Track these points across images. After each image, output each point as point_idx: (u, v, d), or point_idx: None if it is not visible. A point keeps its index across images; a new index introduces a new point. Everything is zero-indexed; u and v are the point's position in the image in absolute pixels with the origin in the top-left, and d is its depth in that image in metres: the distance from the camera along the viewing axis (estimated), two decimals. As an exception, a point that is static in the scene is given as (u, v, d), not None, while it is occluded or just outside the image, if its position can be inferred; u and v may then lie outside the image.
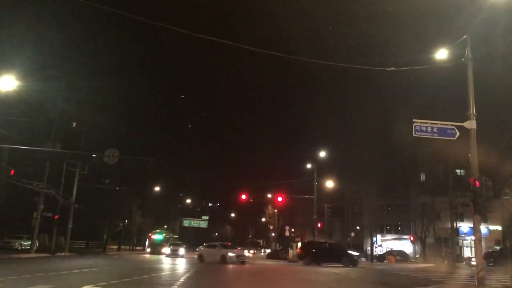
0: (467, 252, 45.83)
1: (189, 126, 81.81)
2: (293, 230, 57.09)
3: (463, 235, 46.31)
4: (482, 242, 14.65)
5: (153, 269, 18.81)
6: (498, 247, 39.00)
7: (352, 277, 17.40)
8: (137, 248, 57.37)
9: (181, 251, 37.28)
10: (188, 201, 78.40)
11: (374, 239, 57.74)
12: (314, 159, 40.38)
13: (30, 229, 30.42)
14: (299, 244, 63.11)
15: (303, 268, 24.90)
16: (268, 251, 57.89)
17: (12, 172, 25.23)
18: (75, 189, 33.46)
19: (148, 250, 46.63)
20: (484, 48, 17.21)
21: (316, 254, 28.87)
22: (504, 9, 12.91)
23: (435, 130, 14.05)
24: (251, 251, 67.16)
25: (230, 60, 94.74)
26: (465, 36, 13.79)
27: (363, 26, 51.19)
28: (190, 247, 53.97)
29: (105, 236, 47.25)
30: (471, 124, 13.54)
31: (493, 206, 13.56)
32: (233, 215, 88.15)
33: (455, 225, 38.62)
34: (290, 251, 55.35)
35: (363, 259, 35.58)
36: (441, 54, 14.13)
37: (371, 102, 55.83)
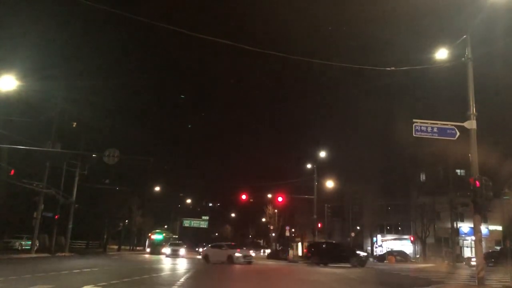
0: (467, 252, 45.82)
1: (189, 126, 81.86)
2: (293, 230, 57.03)
3: (463, 235, 46.30)
4: (482, 242, 14.63)
5: (153, 269, 18.81)
6: (498, 247, 38.99)
7: (352, 277, 17.40)
8: (138, 248, 57.35)
9: (182, 251, 37.28)
10: (188, 201, 78.42)
11: (374, 239, 57.79)
12: (314, 159, 40.36)
13: (30, 229, 30.42)
14: (299, 245, 63.24)
15: (303, 268, 24.90)
16: (268, 251, 57.83)
17: (12, 172, 25.21)
18: (75, 189, 33.46)
19: (148, 250, 46.59)
20: (484, 48, 17.18)
21: (323, 255, 28.62)
22: (504, 9, 12.90)
23: (435, 130, 14.04)
24: (251, 252, 66.99)
25: (230, 60, 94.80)
26: (465, 36, 13.78)
27: (363, 26, 51.21)
28: (190, 247, 54.01)
29: (105, 236, 47.25)
30: (471, 124, 13.54)
31: (493, 206, 13.61)
32: (233, 215, 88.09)
33: (455, 225, 38.60)
34: (290, 251, 55.32)
35: (371, 259, 35.08)
36: (441, 54, 14.12)
37: (371, 102, 56.00)
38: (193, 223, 75.26)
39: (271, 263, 33.22)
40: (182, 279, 13.26)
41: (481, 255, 13.39)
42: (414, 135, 14.03)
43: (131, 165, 37.21)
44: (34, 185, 28.53)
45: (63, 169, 32.06)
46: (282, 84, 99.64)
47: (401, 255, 45.92)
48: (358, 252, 31.50)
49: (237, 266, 23.24)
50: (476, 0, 12.67)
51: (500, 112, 32.12)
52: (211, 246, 30.72)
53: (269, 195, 44.76)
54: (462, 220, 44.92)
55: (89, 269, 15.97)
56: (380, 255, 49.39)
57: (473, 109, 13.60)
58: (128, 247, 54.86)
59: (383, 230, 58.10)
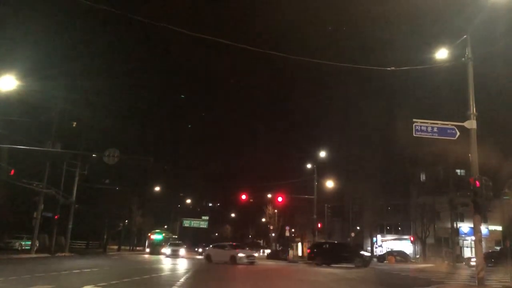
0: (467, 252, 45.80)
1: (189, 126, 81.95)
2: (293, 230, 57.03)
3: (463, 235, 46.28)
4: (482, 242, 14.63)
5: (153, 269, 18.81)
6: (498, 247, 38.96)
7: (351, 277, 17.41)
8: (137, 248, 57.36)
9: (182, 251, 37.27)
10: (188, 201, 78.40)
11: (374, 239, 57.75)
12: (314, 159, 40.37)
13: (30, 229, 30.41)
14: (299, 245, 63.23)
15: (304, 268, 24.89)
16: (267, 251, 57.81)
17: (12, 172, 25.19)
18: (75, 189, 33.46)
19: (147, 250, 46.57)
20: (484, 48, 17.20)
21: (326, 255, 28.35)
22: (504, 9, 12.91)
23: (435, 130, 14.04)
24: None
25: (230, 60, 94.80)
26: (465, 36, 13.78)
27: (363, 26, 51.24)
28: (190, 247, 54.01)
29: (105, 236, 47.23)
30: (471, 124, 13.54)
31: (493, 206, 13.60)
32: (233, 215, 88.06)
33: (455, 225, 38.61)
34: (290, 252, 55.26)
35: (375, 259, 34.77)
36: (441, 54, 14.13)
37: (371, 102, 55.93)
38: (193, 223, 75.24)
39: (271, 263, 33.23)
40: (182, 279, 13.26)
41: (481, 255, 13.39)
42: (414, 135, 14.03)
43: (131, 165, 37.25)
44: (34, 185, 28.53)
45: (63, 169, 32.06)
46: (282, 84, 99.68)
47: (401, 255, 45.89)
48: (361, 252, 31.33)
49: (237, 267, 23.24)
50: (476, 0, 12.68)
51: (500, 112, 32.12)
52: (213, 246, 30.55)
53: (269, 195, 44.79)
54: (462, 220, 44.92)
55: (89, 269, 15.97)
56: (380, 255, 49.37)
57: (473, 109, 13.61)
58: (128, 247, 54.86)
59: (383, 230, 58.08)
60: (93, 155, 31.59)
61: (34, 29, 29.56)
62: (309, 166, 41.58)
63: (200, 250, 54.90)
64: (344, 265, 26.78)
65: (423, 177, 52.06)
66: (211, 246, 32.34)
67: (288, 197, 40.79)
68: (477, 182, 12.58)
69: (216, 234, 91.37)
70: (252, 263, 26.23)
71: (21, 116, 25.49)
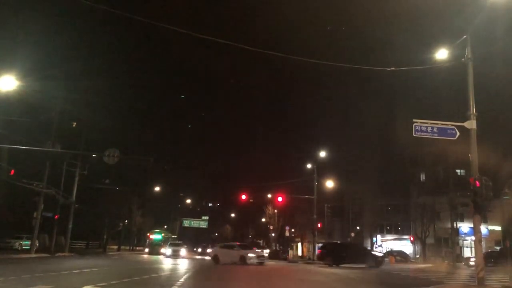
0: (467, 252, 45.80)
1: (189, 126, 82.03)
2: (293, 230, 57.04)
3: (463, 235, 46.27)
4: (482, 242, 14.63)
5: (153, 269, 18.81)
6: (498, 247, 38.96)
7: (352, 277, 17.41)
8: (137, 248, 57.38)
9: (182, 251, 37.09)
10: (188, 201, 78.44)
11: (374, 239, 57.74)
12: (314, 159, 40.38)
13: (30, 229, 30.42)
14: (299, 245, 63.24)
15: (303, 268, 24.91)
16: (266, 251, 57.82)
17: (12, 172, 25.20)
18: (75, 189, 33.47)
19: (147, 250, 46.54)
20: (484, 48, 17.19)
21: (336, 255, 27.96)
22: (504, 9, 12.91)
23: (435, 130, 14.04)
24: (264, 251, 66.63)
25: (230, 60, 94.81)
26: (465, 36, 13.78)
27: (363, 26, 51.26)
28: (190, 247, 53.98)
29: (105, 236, 47.24)
30: (471, 124, 13.54)
31: (493, 206, 13.63)
32: (233, 215, 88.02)
33: (455, 225, 38.59)
34: (290, 252, 55.29)
35: (387, 259, 34.37)
36: (441, 54, 14.13)
37: (371, 102, 55.97)
38: (193, 223, 75.25)
39: (272, 263, 33.21)
40: (182, 279, 13.25)
41: (481, 255, 13.39)
42: (414, 135, 14.03)
43: (131, 165, 37.26)
44: (34, 185, 28.53)
45: (63, 169, 32.06)
46: (282, 84, 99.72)
47: (401, 255, 45.91)
48: (373, 252, 30.94)
49: (238, 266, 23.22)
50: (476, 0, 12.68)
51: (500, 112, 32.13)
52: (220, 247, 29.76)
53: (269, 195, 44.77)
54: (462, 220, 44.90)
55: (89, 269, 15.96)
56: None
57: (473, 109, 13.61)
58: (128, 247, 54.87)
59: (383, 230, 58.07)
60: (93, 155, 31.60)
61: (34, 29, 29.57)
62: (309, 166, 41.62)
63: (200, 250, 54.89)
64: (356, 265, 26.47)
65: (423, 177, 52.05)
66: (217, 246, 31.62)
67: (288, 197, 40.80)
68: (477, 182, 12.58)
69: (216, 234, 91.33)
70: (261, 263, 25.66)
71: (21, 116, 25.50)
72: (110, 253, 41.23)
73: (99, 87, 34.96)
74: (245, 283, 14.29)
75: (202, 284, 13.61)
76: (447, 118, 14.42)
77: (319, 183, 38.89)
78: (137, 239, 60.26)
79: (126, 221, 52.77)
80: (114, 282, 11.37)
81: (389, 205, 56.94)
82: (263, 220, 63.97)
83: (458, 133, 13.91)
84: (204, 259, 35.74)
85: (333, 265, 26.92)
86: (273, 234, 58.68)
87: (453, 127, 13.96)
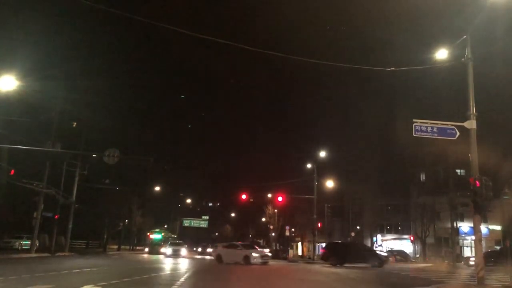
0: (467, 252, 45.80)
1: (189, 126, 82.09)
2: (293, 230, 57.06)
3: (463, 235, 46.28)
4: (482, 242, 14.64)
5: (153, 269, 18.81)
6: (498, 247, 38.97)
7: (352, 277, 17.41)
8: (137, 248, 57.41)
9: (183, 251, 37.02)
10: (188, 201, 78.50)
11: (374, 239, 57.76)
12: (314, 159, 40.38)
13: (30, 229, 30.47)
14: (299, 244, 63.25)
15: (304, 267, 24.90)
16: (267, 250, 57.80)
17: (12, 172, 25.23)
18: (75, 189, 33.48)
19: (147, 249, 46.54)
20: (484, 48, 17.20)
21: (340, 255, 27.85)
22: (504, 9, 12.91)
23: (435, 130, 14.04)
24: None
25: (230, 60, 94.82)
26: (465, 36, 13.78)
27: (363, 26, 51.25)
28: (190, 246, 53.99)
29: (105, 236, 47.27)
30: (471, 124, 13.54)
31: (493, 206, 13.63)
32: (233, 215, 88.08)
33: (455, 225, 38.60)
34: (290, 251, 55.29)
35: (391, 259, 34.32)
36: (441, 54, 14.13)
37: (371, 102, 55.98)
38: (193, 223, 75.36)
39: (272, 262, 33.20)
40: (182, 279, 13.26)
41: (481, 255, 13.40)
42: (414, 135, 14.03)
43: (131, 165, 37.29)
44: (34, 185, 28.55)
45: (63, 169, 32.08)
46: (282, 84, 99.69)
47: (401, 255, 45.90)
48: (378, 252, 30.84)
49: (239, 266, 23.23)
50: (476, 0, 12.68)
51: (500, 112, 32.11)
52: (224, 246, 29.49)
53: (269, 195, 44.80)
54: (462, 220, 44.90)
55: (89, 269, 15.97)
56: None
57: (473, 109, 13.61)
58: (128, 247, 54.89)
59: (383, 230, 58.06)
60: (93, 155, 31.61)
61: (34, 29, 29.58)
62: (309, 166, 41.62)
63: (200, 249, 54.89)
64: (360, 264, 26.41)
65: (423, 177, 52.05)
66: (220, 246, 31.42)
67: (288, 197, 40.80)
68: (477, 182, 12.59)
69: (216, 233, 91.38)
70: (265, 263, 25.49)
71: (21, 116, 25.52)
72: (110, 252, 41.25)
73: (99, 87, 35.01)
74: (245, 282, 14.28)
75: (202, 283, 13.61)
76: (447, 118, 14.43)
77: (319, 183, 38.91)
78: (137, 239, 60.28)
79: (126, 221, 52.80)
80: (114, 281, 11.37)
81: (389, 205, 56.94)
82: (263, 219, 64.00)
83: (458, 133, 13.91)
84: (204, 259, 35.75)
85: (337, 265, 26.85)
86: (273, 234, 58.70)
87: (453, 127, 13.96)
